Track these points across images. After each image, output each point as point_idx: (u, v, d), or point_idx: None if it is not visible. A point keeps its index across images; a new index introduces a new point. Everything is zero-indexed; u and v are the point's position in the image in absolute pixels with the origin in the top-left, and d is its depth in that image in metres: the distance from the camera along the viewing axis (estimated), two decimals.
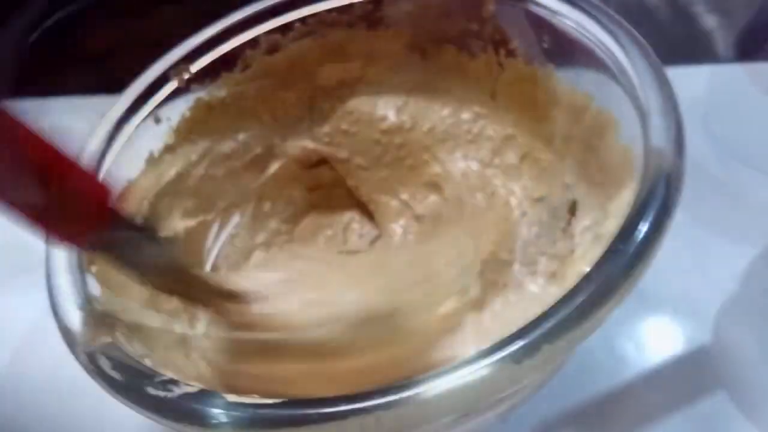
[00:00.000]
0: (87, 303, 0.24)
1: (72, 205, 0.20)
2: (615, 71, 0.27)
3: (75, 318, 0.23)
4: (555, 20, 0.29)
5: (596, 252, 0.27)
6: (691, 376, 0.31)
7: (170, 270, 0.24)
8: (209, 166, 0.34)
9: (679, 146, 0.22)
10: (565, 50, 0.30)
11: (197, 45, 0.34)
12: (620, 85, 0.26)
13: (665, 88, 0.24)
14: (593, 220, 0.29)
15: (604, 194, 0.28)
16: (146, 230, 0.24)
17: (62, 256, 0.26)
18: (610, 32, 0.27)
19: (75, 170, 0.20)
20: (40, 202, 0.19)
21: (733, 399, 0.30)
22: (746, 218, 0.36)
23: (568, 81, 0.30)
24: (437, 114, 0.36)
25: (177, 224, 0.33)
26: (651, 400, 0.31)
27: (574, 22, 0.28)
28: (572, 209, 0.31)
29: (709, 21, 0.48)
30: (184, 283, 0.24)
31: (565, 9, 0.29)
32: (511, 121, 0.34)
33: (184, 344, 0.28)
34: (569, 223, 0.31)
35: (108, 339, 0.22)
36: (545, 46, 0.31)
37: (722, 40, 0.47)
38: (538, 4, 0.30)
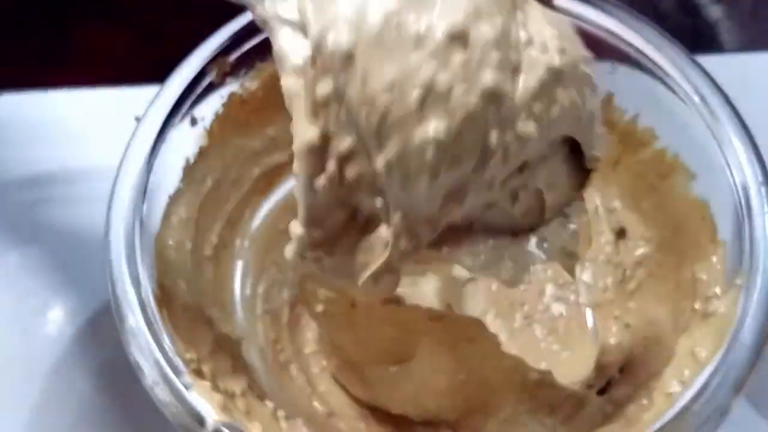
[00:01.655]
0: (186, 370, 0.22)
1: None
2: (706, 122, 0.27)
3: (178, 388, 0.21)
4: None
5: (651, 295, 0.28)
6: None
7: None
8: (242, 167, 0.32)
9: None
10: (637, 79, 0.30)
11: (233, 33, 0.30)
12: (712, 140, 0.27)
13: (759, 160, 0.25)
14: (648, 255, 0.30)
15: (662, 234, 0.30)
16: None
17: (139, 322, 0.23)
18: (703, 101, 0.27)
19: None
20: None
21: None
22: None
23: (631, 112, 0.30)
24: None
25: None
26: None
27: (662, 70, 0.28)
28: (620, 233, 0.32)
29: (714, 11, 0.48)
30: None
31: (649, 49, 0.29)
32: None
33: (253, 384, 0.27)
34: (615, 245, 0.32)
35: (223, 417, 0.21)
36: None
37: (727, 30, 0.47)
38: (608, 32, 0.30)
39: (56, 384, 0.31)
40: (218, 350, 0.26)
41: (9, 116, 0.38)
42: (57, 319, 0.33)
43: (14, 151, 0.38)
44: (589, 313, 0.32)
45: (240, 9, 0.30)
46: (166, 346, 0.22)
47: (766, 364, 0.30)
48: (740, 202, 0.25)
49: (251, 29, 0.30)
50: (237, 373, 0.26)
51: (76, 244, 0.32)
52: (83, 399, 0.30)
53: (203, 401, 0.21)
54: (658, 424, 0.21)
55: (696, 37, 0.47)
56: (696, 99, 0.27)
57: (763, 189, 0.24)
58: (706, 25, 0.48)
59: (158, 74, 0.29)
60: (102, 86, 0.37)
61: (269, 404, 0.26)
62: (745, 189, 0.25)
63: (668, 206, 0.29)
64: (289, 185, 0.34)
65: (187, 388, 0.21)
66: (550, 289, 0.34)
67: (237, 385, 0.25)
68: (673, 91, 0.28)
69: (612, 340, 0.29)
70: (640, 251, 0.31)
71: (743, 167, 0.25)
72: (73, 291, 0.33)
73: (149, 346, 0.22)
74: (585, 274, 0.33)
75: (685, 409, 0.21)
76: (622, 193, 0.32)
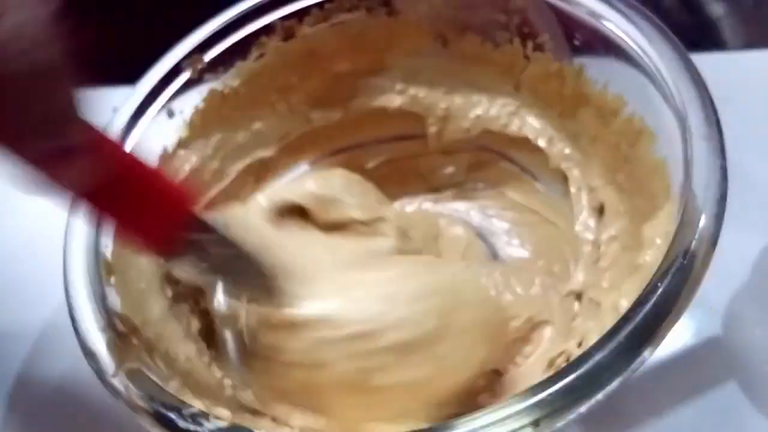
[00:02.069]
0: (109, 324, 0.23)
1: (152, 207, 0.23)
2: (655, 82, 0.26)
3: (99, 341, 0.23)
4: (593, 21, 0.28)
5: (620, 269, 0.27)
6: (701, 368, 0.31)
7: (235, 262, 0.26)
8: (224, 159, 0.34)
9: (721, 193, 0.21)
10: (600, 52, 0.29)
11: (210, 33, 0.32)
12: (662, 96, 0.25)
13: (709, 110, 0.23)
14: (620, 229, 0.28)
15: (633, 204, 0.28)
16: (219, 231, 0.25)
17: (80, 268, 0.25)
18: (652, 41, 0.26)
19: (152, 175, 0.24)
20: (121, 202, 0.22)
21: (744, 391, 0.29)
22: (755, 208, 0.35)
23: (600, 82, 0.29)
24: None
25: None
26: (661, 393, 0.30)
27: (615, 25, 0.27)
28: (599, 213, 0.30)
29: (716, 9, 0.47)
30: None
31: (604, 10, 0.28)
32: (535, 114, 0.33)
33: (204, 354, 0.27)
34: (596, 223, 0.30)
35: (134, 364, 0.22)
36: (577, 43, 0.30)
37: (729, 28, 0.46)
38: (573, 3, 0.29)
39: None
40: (169, 318, 0.27)
41: None
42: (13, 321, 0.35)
43: None
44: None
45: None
46: (97, 301, 0.24)
47: (765, 364, 0.28)
48: (687, 158, 0.23)
49: (228, 29, 0.33)
50: (187, 341, 0.27)
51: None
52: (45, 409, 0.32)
53: (117, 352, 0.22)
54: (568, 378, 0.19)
55: (698, 35, 0.45)
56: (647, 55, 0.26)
57: (703, 142, 0.23)
58: (709, 23, 0.46)
59: None
60: (100, 86, 0.39)
61: (218, 373, 0.27)
62: (690, 143, 0.23)
63: (637, 173, 0.27)
64: (281, 182, 0.36)
65: (106, 340, 0.23)
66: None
67: (182, 350, 0.26)
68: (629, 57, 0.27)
69: (581, 323, 0.28)
70: (615, 226, 0.29)
71: (690, 119, 0.24)
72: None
73: (82, 298, 0.24)
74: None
75: (590, 357, 0.19)
76: (602, 169, 0.30)
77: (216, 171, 0.33)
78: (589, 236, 0.30)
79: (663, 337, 0.19)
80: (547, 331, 0.30)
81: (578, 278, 0.29)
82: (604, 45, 0.28)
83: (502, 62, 0.33)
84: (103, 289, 0.25)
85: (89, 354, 0.22)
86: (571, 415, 0.19)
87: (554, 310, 0.30)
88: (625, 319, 0.19)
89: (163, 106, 0.31)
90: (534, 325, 0.30)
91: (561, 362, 0.26)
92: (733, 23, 0.46)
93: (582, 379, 0.18)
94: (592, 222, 0.30)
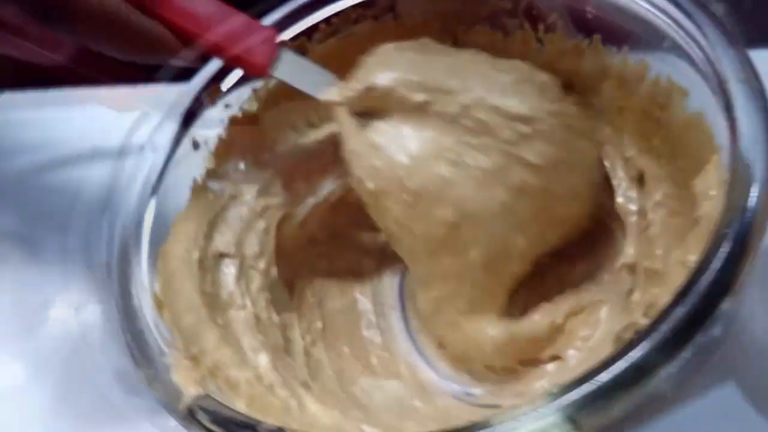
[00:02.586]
0: (170, 355, 0.23)
1: None
2: (676, 38, 0.26)
3: (163, 372, 0.22)
4: None
5: (672, 233, 0.26)
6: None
7: None
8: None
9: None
10: (613, 18, 0.29)
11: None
12: (689, 49, 0.25)
13: (741, 54, 0.23)
14: (665, 193, 0.28)
15: (675, 166, 0.27)
16: None
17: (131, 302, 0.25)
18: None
19: None
20: None
21: (744, 391, 0.29)
22: None
23: (619, 51, 0.29)
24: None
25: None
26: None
27: None
28: (640, 182, 0.30)
29: (716, 9, 0.46)
30: None
31: None
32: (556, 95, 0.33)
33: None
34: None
35: (200, 390, 0.22)
36: (589, 16, 0.30)
37: (729, 26, 0.46)
38: None
39: (68, 383, 0.32)
40: (224, 345, 0.27)
41: (9, 115, 0.40)
42: (60, 316, 0.34)
43: (15, 150, 0.39)
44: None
45: None
46: (153, 336, 0.24)
47: (765, 364, 0.29)
48: (727, 105, 0.23)
49: None
50: (244, 366, 0.27)
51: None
52: (97, 395, 0.30)
53: (181, 379, 0.22)
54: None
55: None
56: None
57: (741, 86, 0.22)
58: None
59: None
60: (101, 86, 0.38)
61: (281, 393, 0.26)
62: (728, 89, 0.23)
63: (673, 133, 0.27)
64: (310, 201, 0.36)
65: (167, 368, 0.22)
66: None
67: (242, 375, 0.26)
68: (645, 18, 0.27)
69: (641, 294, 0.27)
70: (659, 191, 0.28)
71: (723, 66, 0.23)
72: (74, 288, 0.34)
73: (137, 335, 0.23)
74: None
75: (667, 315, 0.18)
76: (635, 138, 0.30)
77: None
78: (633, 207, 0.30)
79: (740, 286, 0.19)
80: (603, 311, 0.29)
81: (629, 251, 0.28)
82: (616, 11, 0.28)
83: (516, 50, 0.33)
84: (156, 323, 0.25)
85: (158, 387, 0.22)
86: (654, 380, 0.18)
87: (607, 288, 0.30)
88: (700, 270, 0.19)
89: (188, 140, 0.31)
90: (578, 311, 0.30)
91: (629, 336, 0.26)
92: (732, 22, 0.45)
93: (670, 334, 0.18)
94: (633, 192, 0.30)
